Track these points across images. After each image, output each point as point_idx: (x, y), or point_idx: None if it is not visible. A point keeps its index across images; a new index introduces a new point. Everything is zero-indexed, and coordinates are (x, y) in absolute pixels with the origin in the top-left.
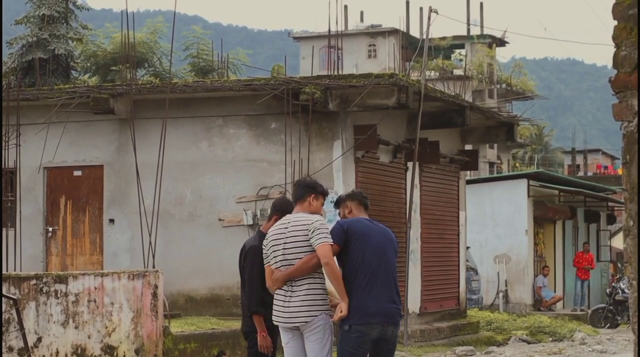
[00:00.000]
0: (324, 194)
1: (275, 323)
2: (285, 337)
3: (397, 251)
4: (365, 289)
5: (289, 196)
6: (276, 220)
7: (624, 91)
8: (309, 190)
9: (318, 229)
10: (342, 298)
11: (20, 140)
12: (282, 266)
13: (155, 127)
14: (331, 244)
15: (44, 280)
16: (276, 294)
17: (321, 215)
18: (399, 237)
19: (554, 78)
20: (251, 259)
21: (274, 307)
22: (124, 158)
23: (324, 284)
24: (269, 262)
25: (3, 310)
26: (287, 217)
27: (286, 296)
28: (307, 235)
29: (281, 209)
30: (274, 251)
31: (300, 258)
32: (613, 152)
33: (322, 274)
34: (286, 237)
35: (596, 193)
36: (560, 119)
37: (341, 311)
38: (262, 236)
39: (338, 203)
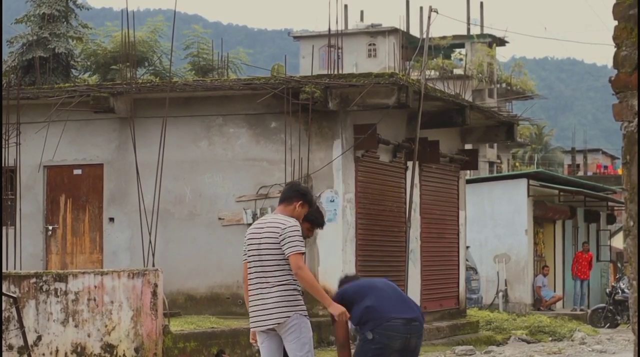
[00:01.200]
0: (310, 204)
1: (251, 327)
2: (260, 338)
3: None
4: None
5: None
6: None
7: (624, 91)
8: (299, 196)
9: (289, 237)
10: (326, 301)
11: (21, 139)
12: (255, 264)
13: (155, 126)
14: (301, 252)
15: (44, 278)
16: (250, 298)
17: (299, 221)
18: (398, 236)
19: (554, 78)
20: None
21: (250, 311)
22: (124, 157)
23: (297, 284)
24: (245, 258)
25: (3, 308)
26: (266, 217)
27: (259, 299)
28: (278, 239)
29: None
30: (250, 249)
31: (275, 260)
32: (613, 152)
33: (287, 277)
34: (261, 237)
35: (596, 193)
36: (560, 119)
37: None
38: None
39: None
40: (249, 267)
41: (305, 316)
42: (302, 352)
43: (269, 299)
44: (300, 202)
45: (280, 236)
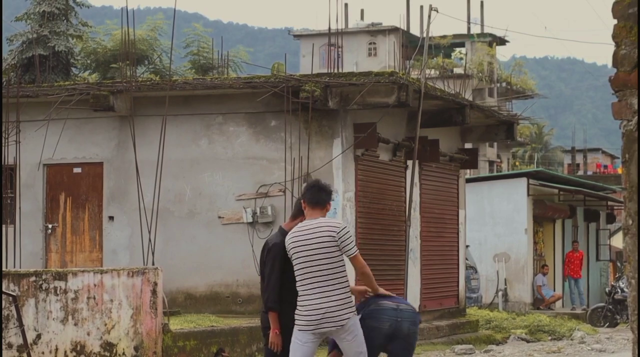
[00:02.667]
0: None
1: (303, 329)
2: (305, 337)
3: None
4: None
5: (289, 195)
6: (302, 220)
7: (624, 90)
8: (329, 196)
9: (349, 238)
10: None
11: (20, 137)
12: (306, 268)
13: (155, 124)
14: (357, 254)
15: (44, 277)
16: (301, 301)
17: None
18: (398, 235)
19: (554, 77)
20: (273, 256)
21: (303, 311)
22: (123, 155)
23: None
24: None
25: (2, 307)
26: (309, 222)
27: (315, 302)
28: (336, 241)
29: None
30: (296, 257)
31: (332, 261)
32: (613, 151)
33: (343, 277)
34: (312, 243)
35: (596, 192)
36: (560, 118)
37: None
38: (284, 233)
39: None
40: (299, 272)
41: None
42: (362, 349)
43: (334, 301)
44: (330, 202)
45: (335, 237)
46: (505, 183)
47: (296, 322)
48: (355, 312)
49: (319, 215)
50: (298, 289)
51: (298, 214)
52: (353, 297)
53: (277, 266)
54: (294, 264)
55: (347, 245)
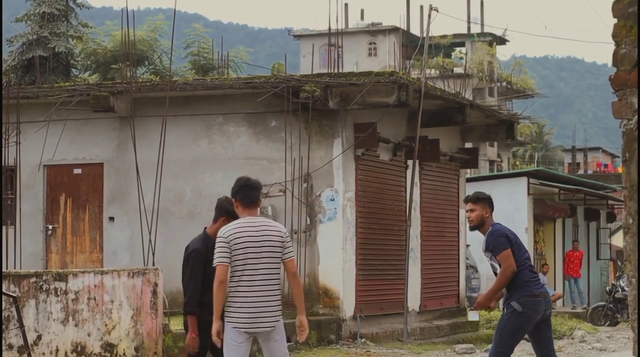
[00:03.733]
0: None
1: (243, 328)
2: (240, 337)
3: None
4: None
5: (289, 195)
6: (224, 222)
7: (624, 89)
8: (260, 194)
9: (289, 242)
10: (301, 311)
11: (21, 138)
12: (251, 267)
13: (155, 125)
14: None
15: (44, 278)
16: (242, 299)
17: (483, 218)
18: (399, 235)
19: (555, 76)
20: (193, 261)
21: (241, 312)
22: (124, 156)
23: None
24: (225, 261)
25: (3, 308)
26: (253, 220)
27: (256, 301)
28: (282, 244)
29: (230, 210)
30: (243, 252)
31: (274, 263)
32: (613, 150)
33: (280, 279)
34: (261, 241)
35: (596, 191)
36: (561, 117)
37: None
38: (207, 238)
39: (476, 200)
40: (240, 268)
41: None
42: (286, 350)
43: (272, 300)
44: (261, 200)
45: (283, 239)
46: (506, 182)
47: (231, 320)
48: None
49: (255, 213)
50: (235, 285)
51: (221, 216)
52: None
53: (196, 270)
54: (235, 258)
55: (290, 247)
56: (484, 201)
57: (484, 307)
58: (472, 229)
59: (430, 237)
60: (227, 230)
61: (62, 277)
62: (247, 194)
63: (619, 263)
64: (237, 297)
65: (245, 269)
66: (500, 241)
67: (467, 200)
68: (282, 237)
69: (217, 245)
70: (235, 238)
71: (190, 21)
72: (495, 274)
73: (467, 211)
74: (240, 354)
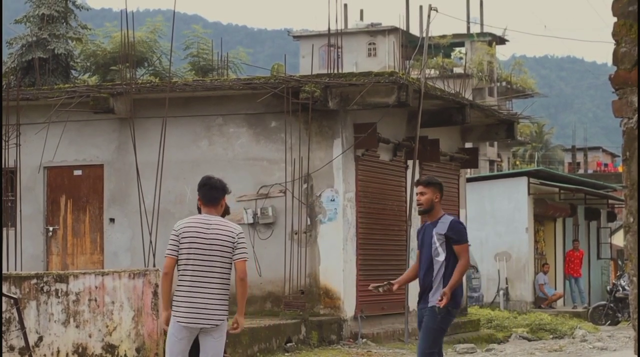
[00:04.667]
0: (228, 193)
1: (183, 323)
2: (181, 333)
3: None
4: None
5: (289, 195)
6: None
7: (624, 88)
8: (223, 193)
9: (242, 243)
10: (241, 312)
11: (20, 140)
12: (195, 262)
13: (155, 126)
14: (246, 260)
15: (45, 279)
16: (184, 294)
17: (434, 204)
18: (399, 235)
19: (554, 76)
20: None
21: (181, 306)
22: (124, 157)
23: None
24: (172, 254)
25: (4, 309)
26: (208, 218)
27: (197, 297)
28: (233, 244)
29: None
30: (188, 247)
31: (223, 262)
32: (613, 149)
33: (229, 280)
34: (210, 239)
35: (596, 191)
36: (561, 117)
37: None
38: None
39: (428, 184)
40: (186, 263)
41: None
42: (221, 350)
43: (215, 299)
44: (224, 198)
45: (234, 240)
46: (506, 182)
47: (174, 313)
48: (228, 317)
49: (214, 212)
50: (179, 279)
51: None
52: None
53: None
54: (181, 253)
55: (242, 248)
56: (435, 185)
57: (445, 302)
58: (420, 212)
59: None
60: (179, 224)
61: (62, 279)
62: (206, 192)
63: (620, 262)
64: (180, 291)
65: (187, 265)
66: (464, 233)
67: (418, 183)
68: (233, 237)
69: (169, 237)
70: (184, 232)
71: (189, 22)
72: (424, 256)
73: (417, 194)
74: (180, 349)
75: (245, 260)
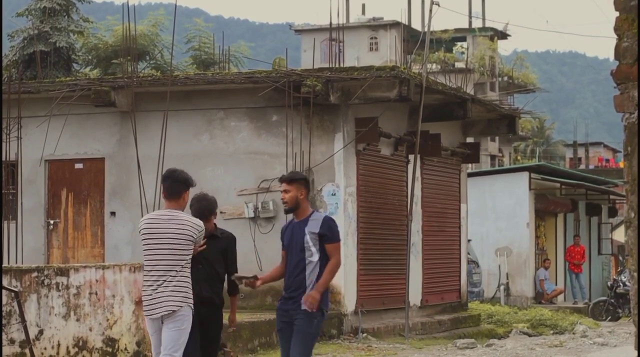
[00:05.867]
0: (192, 186)
1: (145, 314)
2: (151, 327)
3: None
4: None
5: None
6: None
7: (626, 83)
8: (184, 186)
9: (203, 236)
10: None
11: (22, 133)
12: (149, 256)
13: (156, 119)
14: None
15: (46, 272)
16: (145, 288)
17: (298, 200)
18: (400, 230)
19: (556, 71)
20: None
21: (143, 299)
22: (125, 151)
23: (189, 279)
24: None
25: (5, 303)
26: (165, 213)
27: (154, 289)
28: (194, 237)
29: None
30: (145, 242)
31: (174, 255)
32: (614, 145)
33: (188, 269)
34: (165, 233)
35: (598, 186)
36: (562, 112)
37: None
38: None
39: (291, 180)
40: (147, 258)
41: (192, 309)
42: (179, 342)
43: (166, 289)
44: (187, 192)
45: (197, 236)
46: (507, 177)
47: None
48: (191, 307)
49: (175, 206)
50: (144, 274)
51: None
52: (190, 292)
53: None
54: (143, 249)
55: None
56: (299, 181)
57: (316, 305)
58: (286, 211)
59: (432, 232)
60: (142, 219)
61: (63, 272)
62: (168, 186)
63: (621, 258)
64: (143, 285)
65: (145, 259)
66: (337, 231)
67: (282, 180)
68: (194, 233)
69: None
70: (143, 228)
71: (191, 16)
72: (293, 256)
73: (282, 192)
74: (155, 343)
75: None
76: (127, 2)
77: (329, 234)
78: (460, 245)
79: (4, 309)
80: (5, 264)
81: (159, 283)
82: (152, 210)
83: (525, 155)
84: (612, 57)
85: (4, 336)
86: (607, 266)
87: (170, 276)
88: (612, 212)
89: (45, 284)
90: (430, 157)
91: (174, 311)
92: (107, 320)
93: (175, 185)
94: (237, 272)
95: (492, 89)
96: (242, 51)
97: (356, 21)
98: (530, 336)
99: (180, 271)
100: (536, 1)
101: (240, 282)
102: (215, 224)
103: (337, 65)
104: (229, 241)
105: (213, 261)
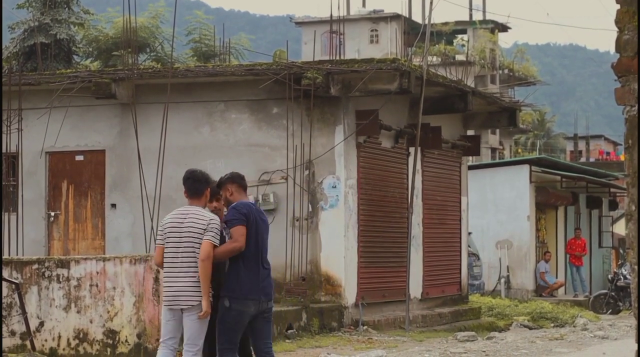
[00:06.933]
0: (211, 184)
1: (166, 305)
2: (167, 315)
3: (269, 230)
4: (249, 270)
5: (291, 182)
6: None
7: (627, 76)
8: (205, 184)
9: (212, 229)
10: (204, 295)
11: (22, 125)
12: (171, 250)
13: (157, 111)
14: (214, 245)
15: (46, 264)
16: (165, 279)
17: (227, 198)
18: (400, 222)
19: (557, 64)
20: None
21: (164, 290)
22: (125, 143)
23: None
24: (159, 243)
25: (5, 294)
26: (187, 209)
27: (176, 282)
28: (204, 231)
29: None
30: (168, 237)
31: (195, 249)
32: (615, 138)
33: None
34: (185, 228)
35: (598, 179)
36: (563, 105)
37: (202, 311)
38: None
39: (220, 185)
40: (167, 252)
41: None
42: (201, 331)
43: (188, 282)
44: (208, 189)
45: (204, 227)
46: (508, 170)
47: (163, 298)
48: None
49: (197, 203)
50: (164, 267)
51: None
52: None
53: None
54: (166, 243)
55: (210, 232)
56: (227, 182)
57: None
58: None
59: (432, 224)
60: (166, 216)
61: (64, 264)
62: (190, 186)
63: (621, 251)
64: (164, 278)
65: (168, 252)
66: (237, 216)
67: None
68: (204, 224)
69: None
70: (166, 224)
71: (191, 8)
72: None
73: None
74: (167, 330)
75: (210, 242)
76: None
77: (228, 219)
78: (460, 238)
79: (4, 300)
80: (5, 256)
81: (180, 276)
82: (153, 202)
83: (526, 148)
84: (613, 49)
85: (4, 328)
86: (607, 259)
87: (191, 269)
88: (613, 205)
89: (46, 276)
90: (430, 150)
91: (193, 305)
92: (108, 312)
93: (196, 184)
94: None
95: (492, 82)
96: (242, 43)
97: (357, 13)
98: (530, 328)
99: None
100: None
101: None
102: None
103: (337, 58)
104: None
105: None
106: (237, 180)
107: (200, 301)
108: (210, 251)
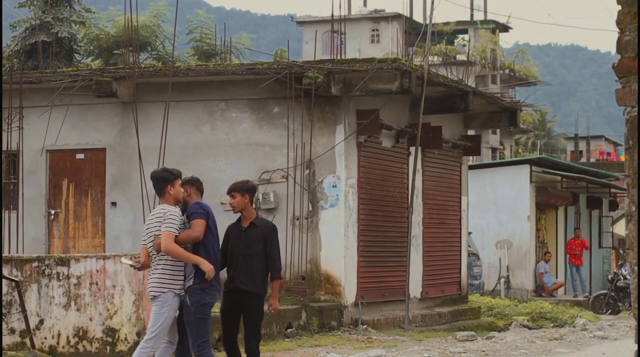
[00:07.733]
0: (177, 177)
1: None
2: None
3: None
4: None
5: (291, 181)
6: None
7: (628, 76)
8: (164, 182)
9: (167, 219)
10: (197, 261)
11: (23, 123)
12: (145, 246)
13: (157, 110)
14: (173, 233)
15: (46, 262)
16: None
17: (185, 199)
18: (400, 222)
19: (558, 64)
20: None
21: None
22: (126, 141)
23: (178, 263)
24: (145, 243)
25: (5, 292)
26: (155, 208)
27: (149, 274)
28: (159, 224)
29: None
30: (144, 235)
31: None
32: (616, 138)
33: (166, 257)
34: (148, 224)
35: (599, 179)
36: (563, 105)
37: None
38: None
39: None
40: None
41: (179, 295)
42: (155, 326)
43: (153, 275)
44: (169, 186)
45: (159, 220)
46: (508, 170)
47: None
48: (175, 293)
49: (163, 201)
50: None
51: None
52: (177, 276)
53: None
54: (147, 244)
55: (165, 224)
56: (187, 184)
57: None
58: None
59: (432, 224)
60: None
61: (64, 262)
62: (154, 186)
63: (621, 251)
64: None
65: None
66: (199, 210)
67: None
68: (160, 219)
69: None
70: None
71: (193, 7)
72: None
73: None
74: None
75: (166, 233)
76: None
77: (190, 213)
78: (460, 237)
79: (4, 298)
80: (6, 254)
81: (152, 270)
82: (153, 201)
83: (527, 148)
84: (614, 50)
85: (4, 326)
86: (607, 259)
87: (157, 263)
88: (613, 206)
89: (46, 273)
90: (431, 150)
91: (155, 296)
92: (108, 310)
93: (157, 184)
94: (279, 261)
95: (493, 82)
96: (243, 42)
97: (358, 13)
98: (530, 328)
99: (164, 258)
100: None
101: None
102: (257, 213)
103: (338, 57)
104: (269, 230)
105: (251, 249)
106: (196, 183)
107: (161, 293)
108: (167, 241)
